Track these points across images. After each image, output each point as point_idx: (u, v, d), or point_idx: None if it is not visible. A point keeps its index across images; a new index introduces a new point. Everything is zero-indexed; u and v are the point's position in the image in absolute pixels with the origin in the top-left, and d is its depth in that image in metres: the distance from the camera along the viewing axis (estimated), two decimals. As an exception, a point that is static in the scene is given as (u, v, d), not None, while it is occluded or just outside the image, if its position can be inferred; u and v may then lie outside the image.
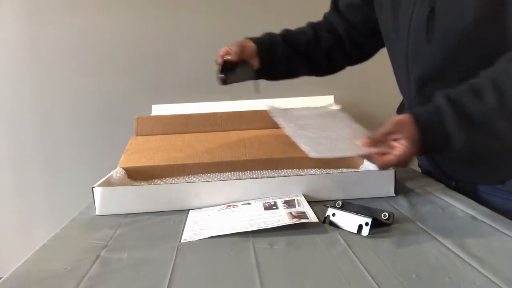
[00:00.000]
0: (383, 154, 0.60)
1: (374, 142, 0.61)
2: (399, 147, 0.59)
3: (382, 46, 0.91)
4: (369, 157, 0.64)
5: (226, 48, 0.88)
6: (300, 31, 0.96)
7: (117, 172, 0.88)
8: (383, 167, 0.61)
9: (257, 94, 0.92)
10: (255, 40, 0.91)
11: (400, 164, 0.60)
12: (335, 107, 0.84)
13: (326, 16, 1.00)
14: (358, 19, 0.93)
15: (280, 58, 0.92)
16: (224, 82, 0.85)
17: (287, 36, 0.94)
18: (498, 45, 0.62)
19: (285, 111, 0.85)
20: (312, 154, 0.62)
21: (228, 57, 0.86)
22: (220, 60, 0.87)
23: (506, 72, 0.57)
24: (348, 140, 0.67)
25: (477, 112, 0.56)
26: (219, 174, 0.92)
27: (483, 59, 0.62)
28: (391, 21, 0.81)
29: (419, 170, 1.00)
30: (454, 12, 0.65)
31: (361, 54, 0.98)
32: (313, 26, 0.97)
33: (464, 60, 0.67)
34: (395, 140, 0.60)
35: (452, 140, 0.57)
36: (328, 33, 0.95)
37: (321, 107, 0.91)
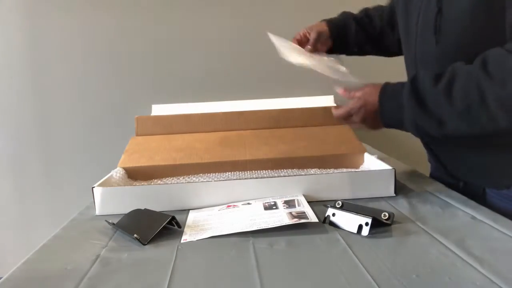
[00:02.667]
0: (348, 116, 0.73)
1: (348, 93, 0.74)
2: (360, 98, 0.71)
3: None
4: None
5: (305, 33, 0.95)
6: (377, 14, 1.00)
7: (117, 172, 0.88)
8: (345, 114, 0.74)
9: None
10: (330, 24, 0.97)
11: (359, 115, 0.72)
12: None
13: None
14: None
15: (351, 42, 0.99)
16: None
17: (363, 20, 0.99)
18: (501, 42, 0.62)
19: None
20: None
21: (308, 47, 0.94)
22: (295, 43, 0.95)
23: (469, 69, 0.61)
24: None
25: (427, 91, 0.64)
26: (219, 174, 0.92)
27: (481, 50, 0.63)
28: (402, 23, 0.82)
29: (427, 164, 0.99)
30: (456, 11, 0.66)
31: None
32: (391, 11, 0.98)
33: (471, 59, 0.65)
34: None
35: (403, 110, 0.66)
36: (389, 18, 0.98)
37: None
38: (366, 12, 1.01)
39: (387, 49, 1.02)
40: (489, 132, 0.61)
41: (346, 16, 1.00)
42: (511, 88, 0.56)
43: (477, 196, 0.76)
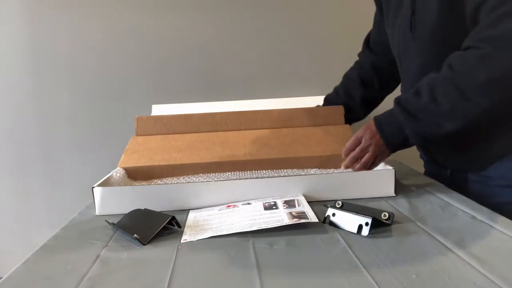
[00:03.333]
0: (360, 157, 0.81)
1: (347, 152, 0.83)
2: (370, 147, 0.80)
3: None
4: (350, 165, 0.83)
5: None
6: (336, 95, 1.15)
7: (117, 172, 0.88)
8: (364, 166, 0.81)
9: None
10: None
11: (377, 159, 0.81)
12: None
13: (356, 61, 1.17)
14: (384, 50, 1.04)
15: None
16: None
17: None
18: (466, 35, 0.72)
19: None
20: None
21: None
22: None
23: (441, 76, 0.72)
24: None
25: (416, 107, 0.74)
26: (219, 174, 0.92)
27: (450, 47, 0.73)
28: (390, 26, 0.92)
29: (422, 161, 1.05)
30: (427, 10, 0.77)
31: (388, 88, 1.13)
32: (344, 83, 1.16)
33: (445, 52, 0.74)
34: (366, 145, 0.80)
35: (405, 130, 0.75)
36: (356, 79, 1.12)
37: None
38: (331, 96, 1.17)
39: (368, 101, 1.13)
40: (481, 116, 0.71)
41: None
42: (478, 74, 0.67)
43: (461, 183, 0.85)
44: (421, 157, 1.06)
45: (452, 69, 0.70)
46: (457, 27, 0.74)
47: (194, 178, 0.90)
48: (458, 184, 0.84)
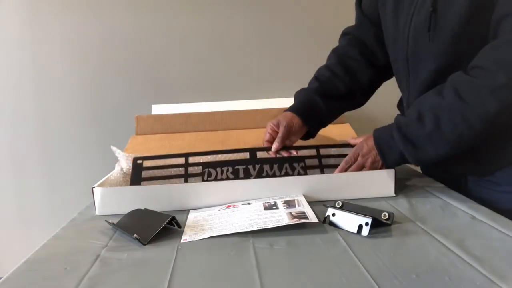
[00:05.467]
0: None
1: (346, 166, 0.81)
2: (367, 162, 0.80)
3: None
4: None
5: (273, 128, 0.90)
6: (332, 74, 0.95)
7: (117, 172, 0.88)
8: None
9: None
10: (298, 111, 0.92)
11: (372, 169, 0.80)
12: None
13: (350, 32, 0.99)
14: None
15: (327, 115, 0.96)
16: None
17: (323, 89, 0.94)
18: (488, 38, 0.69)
19: None
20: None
21: (274, 146, 0.88)
22: (265, 145, 0.89)
23: (448, 104, 0.69)
24: None
25: (418, 135, 0.72)
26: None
27: (473, 49, 0.69)
28: (392, 20, 0.84)
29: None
30: (453, 11, 0.70)
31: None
32: (341, 61, 0.97)
33: (465, 56, 0.70)
34: (365, 159, 0.79)
35: (406, 156, 0.75)
36: (360, 59, 0.95)
37: None
38: (319, 82, 0.95)
39: (362, 96, 0.99)
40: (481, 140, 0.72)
41: (307, 97, 0.94)
42: (489, 107, 0.65)
43: (461, 186, 0.83)
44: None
45: (461, 99, 0.67)
46: (485, 31, 0.69)
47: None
48: (457, 188, 0.82)
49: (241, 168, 0.82)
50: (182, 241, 0.62)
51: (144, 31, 1.62)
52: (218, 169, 0.83)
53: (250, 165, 0.83)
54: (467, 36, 0.71)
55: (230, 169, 0.83)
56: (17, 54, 1.61)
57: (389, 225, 0.63)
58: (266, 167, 0.82)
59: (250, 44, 1.65)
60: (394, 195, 0.78)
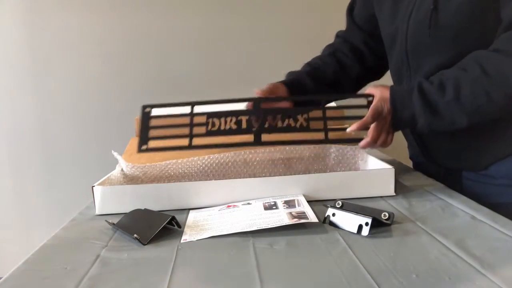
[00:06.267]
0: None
1: (365, 125, 0.75)
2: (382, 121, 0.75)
3: None
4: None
5: (259, 92, 0.90)
6: (323, 63, 0.99)
7: (117, 172, 0.88)
8: (366, 144, 0.76)
9: None
10: (286, 83, 0.93)
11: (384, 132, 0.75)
12: None
13: (340, 35, 1.04)
14: (372, 26, 0.96)
15: (310, 91, 0.95)
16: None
17: (313, 72, 0.97)
18: (492, 37, 0.71)
19: None
20: None
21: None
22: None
23: (471, 76, 0.69)
24: None
25: (438, 102, 0.70)
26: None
27: (479, 40, 0.72)
28: (389, 18, 0.86)
29: (411, 162, 1.05)
30: (453, 9, 0.73)
31: (383, 64, 0.99)
32: (333, 53, 1.00)
33: (469, 49, 0.72)
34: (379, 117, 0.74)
35: (417, 119, 0.72)
36: (350, 55, 0.99)
37: None
38: (311, 66, 0.99)
39: (348, 89, 1.00)
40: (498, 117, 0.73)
41: (297, 74, 0.97)
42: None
43: (455, 183, 0.84)
44: (411, 157, 1.05)
45: (485, 73, 0.68)
46: (487, 27, 0.71)
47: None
48: (452, 184, 0.83)
49: (244, 118, 0.82)
50: (182, 241, 0.62)
51: (145, 31, 1.62)
52: (222, 119, 0.82)
53: (253, 116, 0.82)
54: (469, 31, 0.73)
55: (234, 119, 0.82)
56: (17, 55, 1.61)
57: (389, 225, 0.63)
58: (269, 119, 0.81)
59: (251, 45, 1.65)
60: (394, 194, 0.78)
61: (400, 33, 0.83)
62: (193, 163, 0.87)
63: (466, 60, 0.71)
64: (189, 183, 0.80)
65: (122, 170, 0.88)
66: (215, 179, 0.84)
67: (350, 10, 1.02)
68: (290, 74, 0.98)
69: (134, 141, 1.07)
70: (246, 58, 1.66)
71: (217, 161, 0.86)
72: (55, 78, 1.64)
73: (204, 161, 0.86)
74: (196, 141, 0.81)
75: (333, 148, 0.89)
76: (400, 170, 0.81)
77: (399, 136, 1.08)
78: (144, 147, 0.80)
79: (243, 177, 0.85)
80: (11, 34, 1.60)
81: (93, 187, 0.75)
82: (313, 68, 0.98)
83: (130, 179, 0.86)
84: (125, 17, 1.61)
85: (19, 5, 1.58)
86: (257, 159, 0.88)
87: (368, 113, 0.74)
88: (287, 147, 0.90)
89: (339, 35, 1.05)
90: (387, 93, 0.74)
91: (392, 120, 0.74)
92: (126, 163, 0.86)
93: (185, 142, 0.81)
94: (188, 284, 0.49)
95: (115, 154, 0.89)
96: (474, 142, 0.80)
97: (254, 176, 0.85)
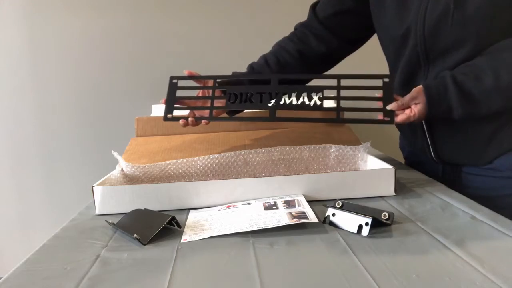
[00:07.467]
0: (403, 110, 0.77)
1: (401, 106, 0.77)
2: (416, 109, 0.76)
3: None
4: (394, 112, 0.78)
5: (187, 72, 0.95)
6: (264, 64, 1.02)
7: (117, 172, 0.88)
8: (402, 121, 0.77)
9: None
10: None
11: (415, 120, 0.77)
12: None
13: (296, 27, 1.05)
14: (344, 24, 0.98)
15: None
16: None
17: (273, 58, 1.01)
18: None
19: None
20: None
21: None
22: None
23: (507, 60, 0.70)
24: None
25: (478, 90, 0.71)
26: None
27: (504, 31, 0.73)
28: (397, 20, 0.84)
29: (400, 152, 1.07)
30: (476, 3, 0.72)
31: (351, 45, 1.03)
32: (275, 52, 1.02)
33: (487, 45, 0.73)
34: (415, 104, 0.76)
35: (454, 111, 0.73)
36: (294, 54, 1.01)
37: None
38: (258, 63, 1.04)
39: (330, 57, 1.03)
40: None
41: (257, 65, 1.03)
42: None
43: (455, 178, 0.86)
44: (405, 156, 1.06)
45: None
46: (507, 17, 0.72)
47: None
48: (451, 179, 0.84)
49: (260, 95, 0.87)
50: (182, 241, 0.62)
51: (144, 31, 1.63)
52: (241, 94, 0.89)
53: (270, 92, 0.86)
54: (492, 24, 0.73)
55: (252, 94, 0.87)
56: (16, 54, 1.61)
57: (389, 225, 0.63)
58: (285, 97, 0.85)
59: (252, 45, 1.65)
60: (394, 194, 0.78)
61: (413, 32, 0.81)
62: (193, 163, 0.87)
63: (498, 46, 0.72)
64: (189, 183, 0.80)
65: (122, 170, 0.88)
66: (215, 179, 0.84)
67: (314, 5, 1.04)
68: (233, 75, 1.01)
69: (135, 141, 1.07)
70: (248, 59, 1.66)
71: (217, 161, 0.86)
72: (55, 78, 1.64)
73: (204, 161, 0.86)
74: (216, 113, 0.92)
75: (333, 148, 0.89)
76: (400, 170, 0.81)
77: (396, 136, 1.09)
78: (169, 115, 0.91)
79: (243, 177, 0.85)
80: (11, 34, 1.60)
81: (93, 187, 0.75)
82: (254, 71, 1.01)
83: (130, 179, 0.86)
84: (125, 17, 1.61)
85: (19, 5, 1.58)
86: (257, 159, 0.88)
87: (409, 94, 0.76)
88: (287, 147, 0.90)
89: (295, 27, 1.07)
90: (420, 87, 0.76)
91: (428, 112, 0.75)
92: (126, 163, 0.87)
93: (206, 113, 0.91)
94: (188, 284, 0.49)
95: (115, 154, 0.89)
96: (480, 136, 0.80)
97: (254, 176, 0.86)
